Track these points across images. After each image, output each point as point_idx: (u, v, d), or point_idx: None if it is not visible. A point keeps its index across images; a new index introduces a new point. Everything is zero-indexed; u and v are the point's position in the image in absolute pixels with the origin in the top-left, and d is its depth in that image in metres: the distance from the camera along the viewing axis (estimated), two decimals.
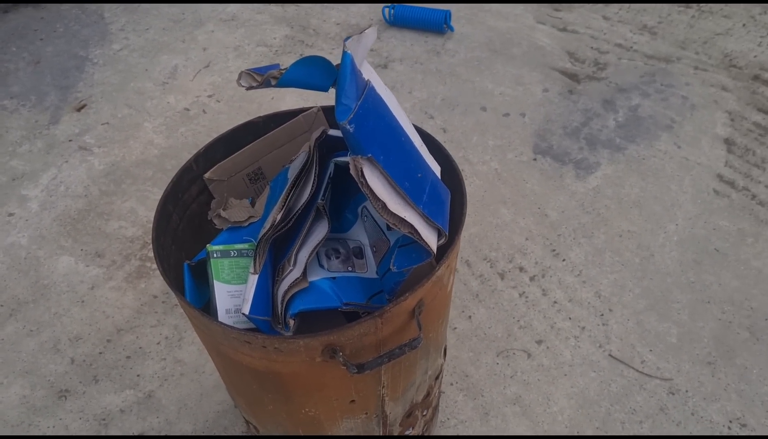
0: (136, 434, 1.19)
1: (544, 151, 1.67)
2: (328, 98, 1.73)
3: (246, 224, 0.85)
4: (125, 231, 1.53)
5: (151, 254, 1.48)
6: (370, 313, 0.78)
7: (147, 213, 1.57)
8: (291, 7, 2.23)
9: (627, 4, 2.13)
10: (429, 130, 1.74)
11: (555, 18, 2.12)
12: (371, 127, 0.62)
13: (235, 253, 0.78)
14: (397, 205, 0.64)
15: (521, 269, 1.41)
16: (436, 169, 0.75)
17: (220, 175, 0.95)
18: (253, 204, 0.90)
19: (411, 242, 0.69)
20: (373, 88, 0.64)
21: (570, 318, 1.32)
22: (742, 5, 2.11)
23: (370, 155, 0.62)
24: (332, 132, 0.75)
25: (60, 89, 1.95)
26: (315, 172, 0.72)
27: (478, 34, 2.06)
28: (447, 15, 2.03)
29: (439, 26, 2.03)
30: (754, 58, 1.90)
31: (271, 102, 1.85)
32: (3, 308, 1.39)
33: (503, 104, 1.81)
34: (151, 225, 1.53)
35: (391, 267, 0.69)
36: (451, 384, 1.23)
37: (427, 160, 0.73)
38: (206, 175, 0.94)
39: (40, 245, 1.52)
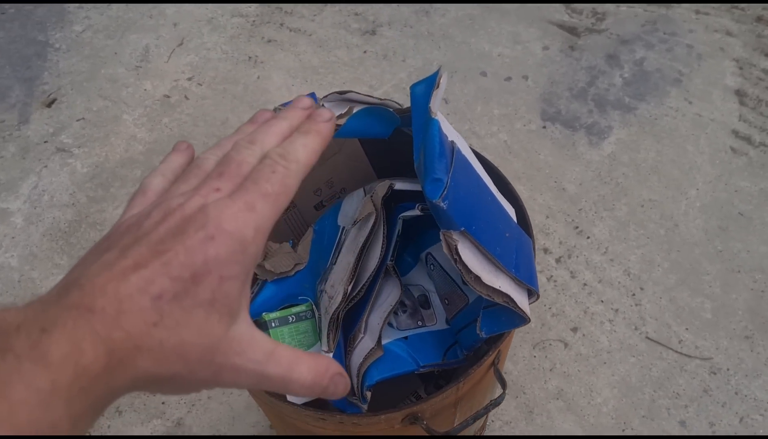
0: None
1: (553, 118, 1.60)
2: (326, 84, 1.63)
3: (292, 273, 0.78)
4: None
5: None
6: (445, 369, 0.73)
7: None
8: None
9: None
10: None
11: None
12: (462, 197, 0.55)
13: (293, 318, 0.71)
14: (489, 275, 0.58)
15: (546, 250, 1.37)
16: (512, 211, 0.69)
17: None
18: (294, 247, 0.82)
19: (497, 303, 0.63)
20: (459, 151, 0.57)
21: (602, 301, 1.29)
22: None
23: (462, 229, 0.55)
24: (398, 186, 0.67)
25: (23, 82, 1.79)
26: (383, 233, 0.65)
27: None
28: None
29: None
30: None
31: (258, 82, 1.73)
32: None
33: (503, 67, 1.72)
34: None
35: (479, 332, 0.63)
36: None
37: (506, 208, 0.66)
38: None
39: (33, 265, 1.41)
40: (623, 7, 1.85)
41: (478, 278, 0.57)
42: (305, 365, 0.31)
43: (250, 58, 1.81)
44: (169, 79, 1.77)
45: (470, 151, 0.64)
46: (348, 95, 0.71)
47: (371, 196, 0.66)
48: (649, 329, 1.25)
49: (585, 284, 1.31)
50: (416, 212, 0.66)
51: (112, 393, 0.26)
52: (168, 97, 1.73)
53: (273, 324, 0.70)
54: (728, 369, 1.20)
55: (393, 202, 0.68)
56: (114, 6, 1.98)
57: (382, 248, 0.64)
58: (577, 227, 1.40)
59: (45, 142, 1.65)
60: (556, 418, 1.16)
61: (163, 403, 1.21)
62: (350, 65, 1.77)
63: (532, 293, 0.63)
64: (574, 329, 1.26)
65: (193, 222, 0.28)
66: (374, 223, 0.65)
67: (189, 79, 1.77)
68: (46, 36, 1.92)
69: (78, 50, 1.87)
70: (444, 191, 0.53)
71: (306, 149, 0.32)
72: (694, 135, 1.54)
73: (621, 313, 1.27)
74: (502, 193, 0.73)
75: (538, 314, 1.28)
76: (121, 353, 0.25)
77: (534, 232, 1.35)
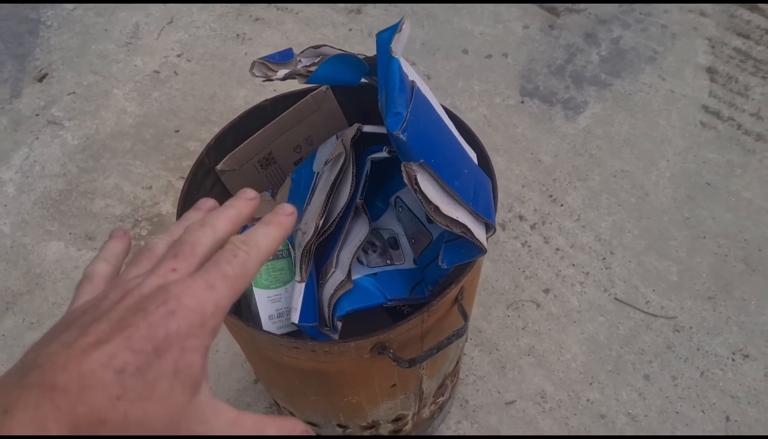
0: None
1: (531, 93, 1.65)
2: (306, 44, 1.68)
3: None
4: (113, 209, 1.48)
5: (144, 232, 1.44)
6: (413, 305, 0.78)
7: (132, 188, 1.51)
8: None
9: None
10: None
11: None
12: (421, 132, 0.60)
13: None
14: (448, 206, 0.63)
15: (521, 217, 1.42)
16: (473, 155, 0.74)
17: (231, 166, 0.92)
18: (273, 196, 0.87)
19: (457, 237, 0.68)
20: (419, 90, 0.62)
21: (573, 264, 1.35)
22: None
23: (422, 161, 0.60)
24: (367, 128, 0.73)
25: (15, 58, 1.83)
26: (352, 173, 0.70)
27: None
28: None
29: None
30: None
31: (245, 58, 1.78)
32: None
33: (484, 45, 1.77)
34: (138, 201, 1.49)
35: (440, 264, 0.68)
36: (467, 341, 1.25)
37: (467, 150, 0.71)
38: (218, 167, 0.90)
39: (25, 231, 1.46)
40: None
41: (437, 209, 0.62)
42: (273, 427, 0.31)
43: (238, 35, 1.85)
44: (159, 56, 1.82)
45: (432, 95, 0.69)
46: (322, 49, 0.76)
47: (342, 139, 0.71)
48: (618, 290, 1.31)
49: (557, 249, 1.37)
50: (384, 154, 0.71)
51: None
52: (158, 72, 1.77)
53: None
54: (691, 327, 1.26)
55: (363, 145, 0.73)
56: None
57: (351, 185, 0.69)
58: (551, 196, 1.45)
59: (36, 115, 1.69)
60: (527, 372, 1.22)
61: None
62: (336, 42, 1.81)
63: (490, 227, 0.68)
64: (546, 291, 1.31)
65: (154, 299, 0.28)
66: (344, 162, 0.70)
67: (178, 55, 1.81)
68: (38, 14, 1.95)
69: (69, 27, 1.91)
70: (404, 124, 0.58)
71: (267, 238, 0.34)
72: (666, 110, 1.59)
73: (591, 276, 1.33)
74: (468, 142, 0.78)
75: (512, 276, 1.33)
76: (86, 427, 0.25)
77: (510, 200, 1.41)
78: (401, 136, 0.58)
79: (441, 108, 0.73)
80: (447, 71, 1.72)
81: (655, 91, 1.63)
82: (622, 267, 1.34)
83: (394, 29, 0.64)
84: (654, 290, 1.30)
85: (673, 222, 1.40)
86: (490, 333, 1.26)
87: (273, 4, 1.92)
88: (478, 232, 0.66)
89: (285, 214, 0.36)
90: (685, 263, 1.34)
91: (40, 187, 1.53)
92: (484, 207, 0.67)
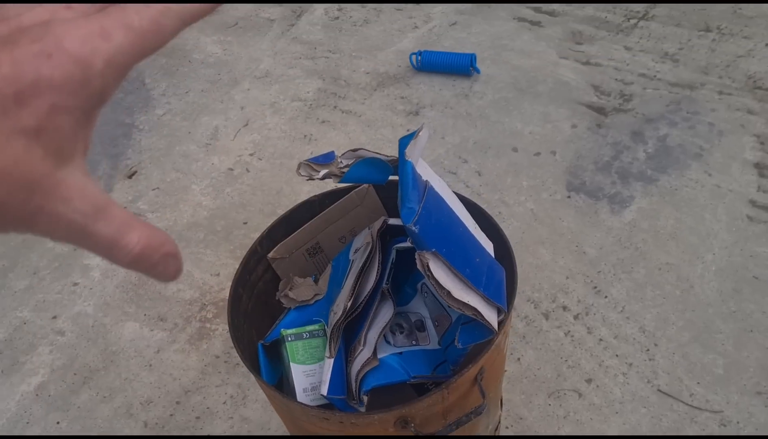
0: None
1: (578, 188, 1.72)
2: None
3: (312, 301, 0.93)
4: (183, 294, 1.62)
5: (210, 315, 1.56)
6: (436, 383, 0.85)
7: (202, 275, 1.65)
8: (321, 60, 2.33)
9: (647, 34, 2.18)
10: (463, 175, 1.80)
11: (577, 52, 2.17)
12: (433, 224, 0.69)
13: (307, 335, 0.85)
14: (460, 291, 0.71)
15: (565, 308, 1.46)
16: (489, 246, 0.82)
17: (282, 254, 1.03)
18: (316, 281, 0.97)
19: (472, 320, 0.75)
20: (432, 188, 0.71)
21: (617, 355, 1.37)
22: (763, 25, 2.14)
23: (434, 250, 0.68)
24: (392, 221, 0.82)
25: (110, 157, 2.06)
26: (379, 260, 0.79)
27: (504, 74, 2.13)
28: (472, 58, 2.09)
29: (466, 69, 2.10)
30: None
31: (310, 156, 1.93)
32: (77, 376, 1.48)
33: (533, 143, 1.87)
34: (206, 287, 1.62)
35: (456, 344, 0.75)
36: (507, 428, 1.28)
37: (481, 242, 0.79)
38: (270, 255, 1.01)
39: (106, 312, 1.61)
40: (649, 89, 1.98)
41: (449, 293, 0.70)
42: (137, 232, 0.26)
43: (305, 136, 2.02)
44: (234, 155, 2.00)
45: (451, 193, 0.79)
46: (359, 152, 0.87)
47: (371, 230, 0.81)
48: (662, 382, 1.31)
49: (601, 340, 1.39)
50: (407, 244, 0.80)
51: None
52: (231, 170, 1.95)
53: (289, 338, 0.84)
54: (738, 422, 1.24)
55: (389, 236, 0.83)
56: (191, 93, 2.26)
57: (377, 272, 0.78)
58: (595, 287, 1.49)
59: (124, 207, 1.87)
60: None
61: (209, 435, 1.34)
62: (394, 142, 1.95)
63: (501, 311, 0.75)
64: (589, 381, 1.33)
65: (29, 33, 0.23)
66: (371, 250, 0.79)
67: (251, 154, 1.99)
68: (133, 119, 2.20)
69: (158, 130, 2.14)
70: (415, 217, 0.67)
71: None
72: (712, 204, 1.62)
73: (634, 367, 1.34)
74: (489, 235, 0.86)
75: (554, 365, 1.36)
76: None
77: (554, 291, 1.46)
78: (413, 228, 0.67)
79: (460, 204, 0.82)
80: (497, 168, 1.81)
81: (701, 186, 1.67)
82: (666, 359, 1.35)
83: (413, 136, 0.74)
84: (699, 383, 1.30)
85: (718, 315, 1.40)
86: (531, 421, 1.29)
87: (338, 108, 2.09)
88: (489, 315, 0.73)
89: None
90: (732, 356, 1.33)
91: (122, 272, 1.70)
92: (495, 292, 0.75)
